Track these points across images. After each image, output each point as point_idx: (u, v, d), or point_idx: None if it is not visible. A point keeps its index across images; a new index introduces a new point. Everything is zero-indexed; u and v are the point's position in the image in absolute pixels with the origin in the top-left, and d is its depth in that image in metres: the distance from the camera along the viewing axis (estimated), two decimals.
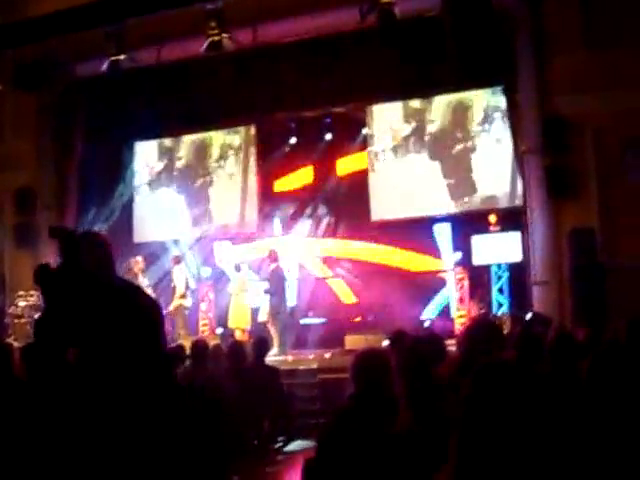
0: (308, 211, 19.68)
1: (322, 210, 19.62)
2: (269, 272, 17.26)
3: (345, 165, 19.36)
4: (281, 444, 11.18)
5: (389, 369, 5.28)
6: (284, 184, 19.96)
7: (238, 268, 17.98)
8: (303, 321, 18.17)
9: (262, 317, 17.17)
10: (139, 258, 17.44)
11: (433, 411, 5.49)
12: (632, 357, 5.03)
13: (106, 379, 2.60)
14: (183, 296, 17.60)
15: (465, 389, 3.92)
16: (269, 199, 19.76)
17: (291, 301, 18.14)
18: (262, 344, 12.00)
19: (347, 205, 19.20)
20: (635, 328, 6.03)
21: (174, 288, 17.65)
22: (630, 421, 4.25)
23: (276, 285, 16.91)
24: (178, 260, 18.12)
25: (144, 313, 2.86)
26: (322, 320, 18.06)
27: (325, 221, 19.54)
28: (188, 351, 11.19)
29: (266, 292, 16.98)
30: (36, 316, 13.79)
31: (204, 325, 18.33)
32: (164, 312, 16.80)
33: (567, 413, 4.56)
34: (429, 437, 5.00)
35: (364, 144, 18.62)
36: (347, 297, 18.87)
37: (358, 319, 17.90)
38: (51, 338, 2.80)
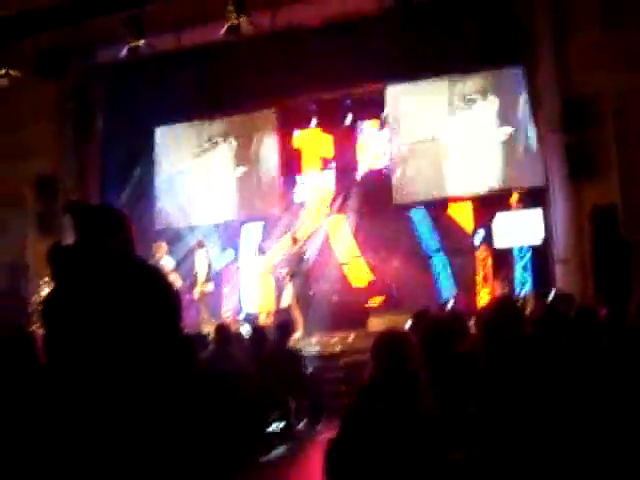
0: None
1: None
2: (291, 254, 17.27)
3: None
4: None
5: (410, 349, 5.26)
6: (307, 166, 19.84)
7: (263, 250, 17.91)
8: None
9: (286, 300, 17.14)
10: (162, 243, 17.44)
11: (455, 391, 5.49)
12: None
13: (124, 365, 2.58)
14: (206, 281, 17.62)
15: (484, 364, 3.93)
16: (291, 181, 19.66)
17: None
18: (285, 327, 12.03)
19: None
20: None
21: (196, 274, 17.65)
22: None
23: (299, 267, 16.93)
24: (201, 244, 18.07)
25: (166, 296, 2.80)
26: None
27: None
28: (211, 336, 11.22)
29: (289, 274, 16.97)
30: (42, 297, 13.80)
31: (227, 310, 18.32)
32: (188, 297, 17.02)
33: (587, 387, 4.55)
34: (452, 417, 5.00)
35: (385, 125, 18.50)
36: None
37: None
38: (59, 322, 2.77)
